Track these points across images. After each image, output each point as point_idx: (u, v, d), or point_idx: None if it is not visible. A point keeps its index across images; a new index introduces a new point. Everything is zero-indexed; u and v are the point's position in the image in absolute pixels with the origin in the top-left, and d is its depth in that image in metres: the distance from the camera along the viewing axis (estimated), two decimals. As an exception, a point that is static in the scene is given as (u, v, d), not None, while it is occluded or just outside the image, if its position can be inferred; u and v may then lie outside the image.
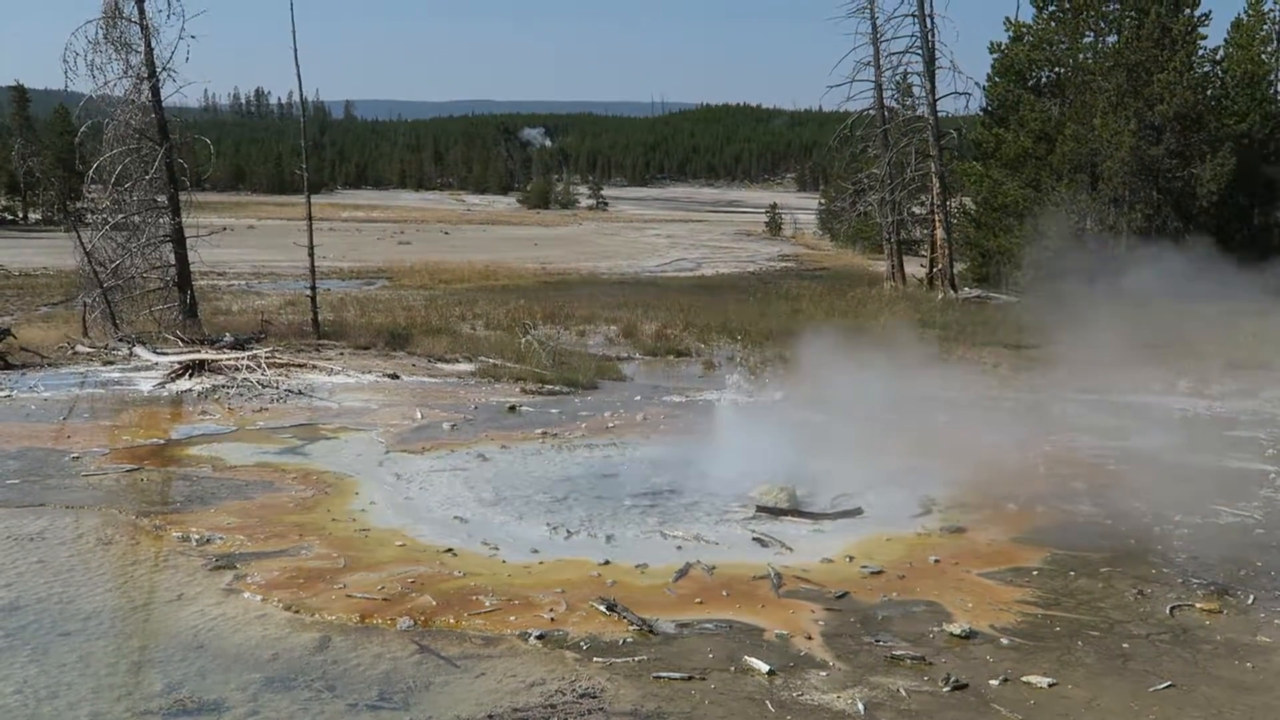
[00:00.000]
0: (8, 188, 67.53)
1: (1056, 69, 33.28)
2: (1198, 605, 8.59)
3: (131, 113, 21.67)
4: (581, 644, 7.70)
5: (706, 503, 11.27)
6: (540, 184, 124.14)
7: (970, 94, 35.28)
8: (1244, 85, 34.32)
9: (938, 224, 34.71)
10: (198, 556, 9.44)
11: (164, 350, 19.33)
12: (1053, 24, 32.67)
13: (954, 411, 15.45)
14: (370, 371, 18.62)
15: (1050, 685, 7.11)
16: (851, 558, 9.61)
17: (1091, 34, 32.40)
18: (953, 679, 7.15)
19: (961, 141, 36.45)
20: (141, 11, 21.65)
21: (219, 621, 8.03)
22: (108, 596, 8.54)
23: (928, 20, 33.82)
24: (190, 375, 17.67)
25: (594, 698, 6.88)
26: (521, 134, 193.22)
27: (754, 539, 10.14)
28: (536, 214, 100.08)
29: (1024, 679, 7.20)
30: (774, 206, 75.77)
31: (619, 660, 7.44)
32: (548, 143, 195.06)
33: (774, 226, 72.16)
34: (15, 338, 19.68)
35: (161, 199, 22.34)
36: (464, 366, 19.41)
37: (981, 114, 35.33)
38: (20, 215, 68.48)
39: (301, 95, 24.98)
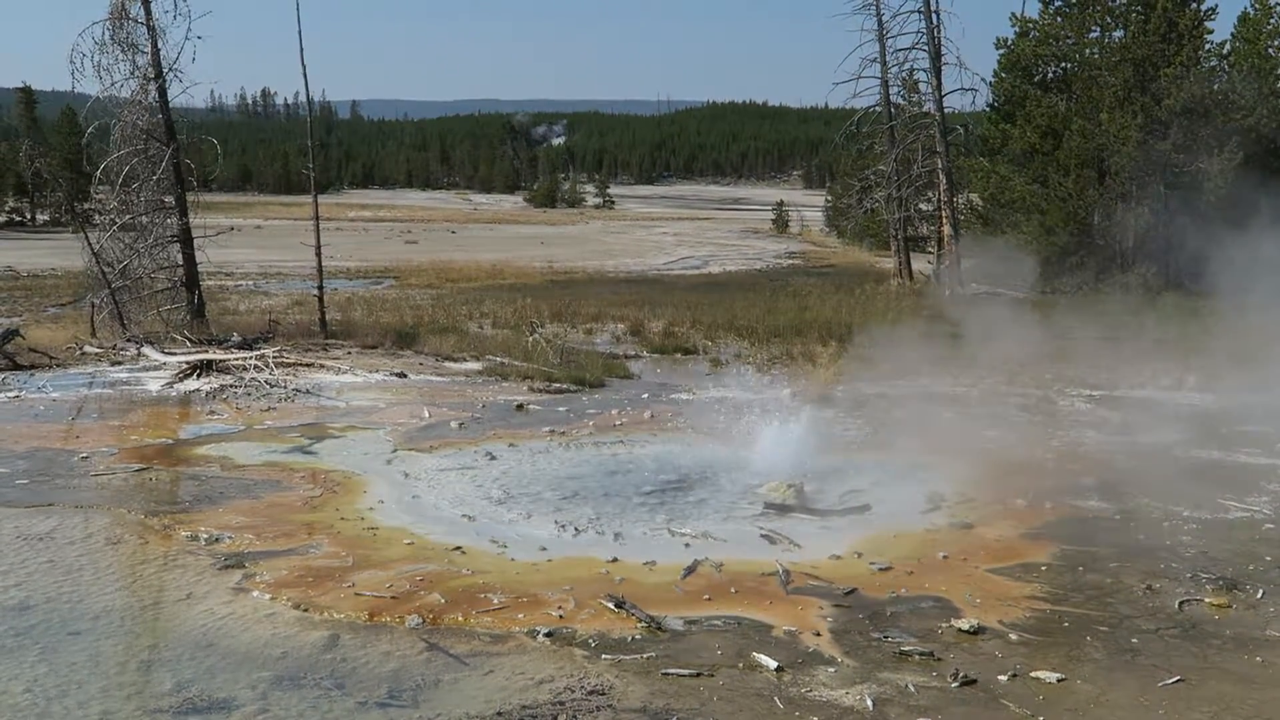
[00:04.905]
0: (15, 189, 67.78)
1: (1063, 64, 33.24)
2: (1207, 600, 8.57)
3: (138, 114, 21.74)
4: (590, 641, 7.71)
5: (714, 500, 11.28)
6: (547, 183, 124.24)
7: (977, 90, 35.34)
8: (1251, 79, 34.16)
9: (944, 220, 34.63)
10: (206, 555, 9.47)
11: (172, 350, 19.36)
12: (1059, 19, 32.64)
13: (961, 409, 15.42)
14: (378, 370, 18.64)
15: (1059, 680, 7.10)
16: (860, 554, 9.60)
17: (1098, 29, 32.36)
18: (961, 674, 7.14)
19: (968, 137, 36.35)
20: (148, 12, 21.71)
21: (228, 620, 8.05)
22: (117, 596, 8.57)
23: (933, 16, 33.79)
24: (198, 375, 17.71)
25: (602, 695, 6.89)
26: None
27: (762, 536, 10.14)
28: (543, 213, 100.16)
29: (1033, 674, 7.19)
30: (780, 204, 75.79)
31: (627, 657, 7.45)
32: (557, 139, 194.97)
33: (780, 224, 72.10)
34: (24, 338, 19.75)
35: (169, 199, 22.43)
36: (471, 365, 19.42)
37: (988, 110, 35.29)
38: (28, 217, 68.75)
39: (308, 95, 25.05)
